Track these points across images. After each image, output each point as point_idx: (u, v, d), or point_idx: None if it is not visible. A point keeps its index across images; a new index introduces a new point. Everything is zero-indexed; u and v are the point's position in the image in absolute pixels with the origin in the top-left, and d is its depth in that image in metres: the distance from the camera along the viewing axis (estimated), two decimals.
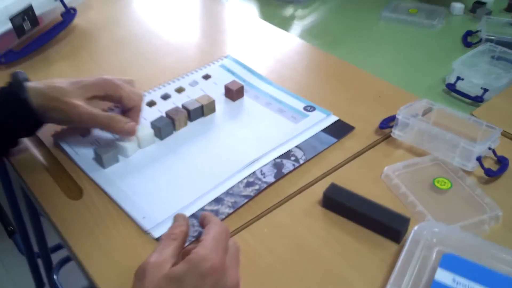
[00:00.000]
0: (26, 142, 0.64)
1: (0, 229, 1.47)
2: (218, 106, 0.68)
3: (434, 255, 0.48)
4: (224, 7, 0.99)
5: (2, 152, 0.61)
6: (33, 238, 1.24)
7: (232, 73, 0.76)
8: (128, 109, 0.62)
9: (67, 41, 0.85)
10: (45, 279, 1.37)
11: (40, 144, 0.64)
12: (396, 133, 0.62)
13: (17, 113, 0.56)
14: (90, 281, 0.49)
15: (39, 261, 1.30)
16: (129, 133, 0.59)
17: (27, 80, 0.59)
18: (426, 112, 0.66)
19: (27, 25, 0.79)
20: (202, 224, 0.46)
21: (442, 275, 0.46)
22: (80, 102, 0.57)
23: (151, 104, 0.69)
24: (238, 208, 0.54)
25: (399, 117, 0.61)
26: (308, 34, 0.95)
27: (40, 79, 0.75)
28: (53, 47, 0.83)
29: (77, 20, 0.89)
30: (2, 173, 1.03)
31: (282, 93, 0.71)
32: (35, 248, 1.26)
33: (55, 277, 1.28)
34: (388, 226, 0.50)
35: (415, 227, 0.49)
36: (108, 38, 0.87)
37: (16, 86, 0.57)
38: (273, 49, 0.83)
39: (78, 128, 0.63)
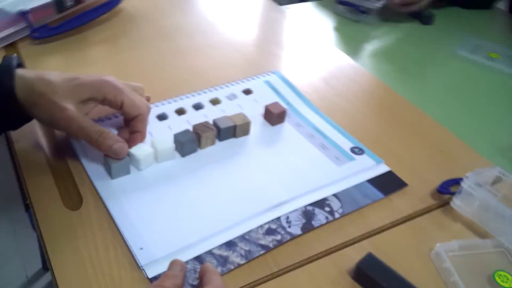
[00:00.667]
0: (36, 131, 0.57)
1: (19, 200, 1.45)
2: (254, 128, 0.60)
3: None
4: (285, 16, 0.90)
5: None
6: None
7: (277, 92, 0.67)
8: (131, 118, 0.53)
9: (108, 24, 0.79)
10: None
11: (50, 136, 0.57)
12: (456, 203, 0.51)
13: None
14: None
15: None
16: (116, 154, 0.50)
17: (20, 66, 0.51)
18: (497, 181, 0.55)
19: (69, 0, 0.73)
20: (201, 279, 0.38)
21: None
22: (69, 105, 0.48)
23: (180, 112, 0.61)
24: (251, 260, 0.45)
25: (464, 185, 0.50)
26: (372, 58, 0.85)
27: (71, 61, 0.70)
28: (93, 29, 0.77)
29: (124, 4, 0.83)
30: None
31: (328, 126, 0.62)
32: None
33: None
34: None
35: None
36: (152, 29, 0.80)
37: (3, 71, 0.48)
38: (329, 73, 0.74)
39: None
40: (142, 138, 0.54)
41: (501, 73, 0.83)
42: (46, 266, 1.35)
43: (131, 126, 0.54)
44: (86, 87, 0.50)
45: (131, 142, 0.53)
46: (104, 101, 0.51)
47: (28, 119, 0.52)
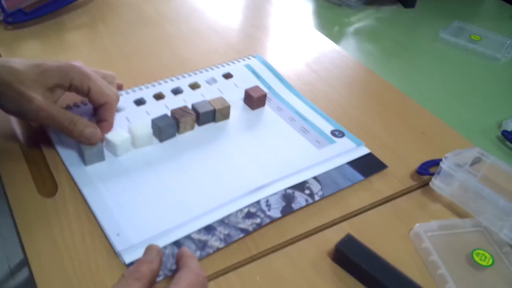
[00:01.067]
0: (10, 117, 0.56)
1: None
2: (234, 112, 0.59)
3: None
4: (268, 1, 0.89)
5: None
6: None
7: (258, 76, 0.66)
8: (98, 105, 0.51)
9: (85, 9, 0.77)
10: None
11: (24, 123, 0.56)
12: (436, 184, 0.51)
13: None
14: None
15: None
16: (88, 139, 0.49)
17: None
18: (476, 161, 0.55)
19: None
20: (177, 264, 0.37)
21: None
22: (37, 95, 0.47)
23: (158, 97, 0.60)
24: (231, 243, 0.45)
25: (443, 166, 0.50)
26: (355, 41, 0.85)
27: (47, 47, 0.69)
28: (69, 14, 0.76)
29: None
30: None
31: (310, 110, 0.61)
32: None
33: None
34: None
35: None
36: (132, 14, 0.78)
37: None
38: (311, 57, 0.73)
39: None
40: (108, 128, 0.52)
41: (483, 55, 0.83)
42: None
43: (98, 115, 0.52)
44: (52, 73, 0.48)
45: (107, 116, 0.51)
46: (70, 87, 0.50)
47: None
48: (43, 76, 0.48)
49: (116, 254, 0.43)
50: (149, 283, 0.36)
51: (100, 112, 0.52)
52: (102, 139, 0.51)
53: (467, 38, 0.86)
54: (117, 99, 0.53)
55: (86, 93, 0.50)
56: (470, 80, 0.79)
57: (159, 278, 0.41)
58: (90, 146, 0.49)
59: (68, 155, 0.51)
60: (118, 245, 0.43)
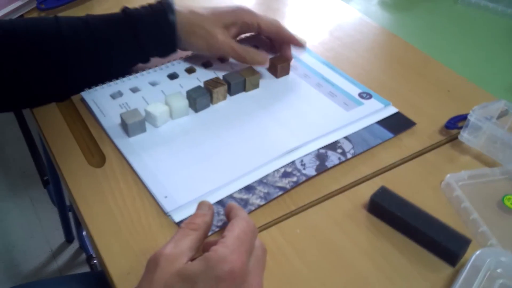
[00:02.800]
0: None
1: (36, 177, 1.48)
2: (261, 82, 0.61)
3: None
4: None
5: (131, 65, 0.62)
6: (66, 192, 1.24)
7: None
8: (271, 35, 0.63)
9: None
10: (74, 233, 1.38)
11: (68, 104, 0.59)
12: (464, 136, 0.53)
13: (161, 32, 0.57)
14: (98, 257, 0.44)
15: (70, 215, 1.31)
16: (260, 62, 0.61)
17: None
18: (502, 115, 0.56)
19: None
20: (228, 216, 0.40)
21: None
22: (219, 32, 0.58)
23: (190, 71, 0.63)
24: (271, 201, 0.48)
25: (471, 118, 0.52)
26: (375, 7, 0.86)
27: None
28: None
29: None
30: None
31: (335, 75, 0.63)
32: (68, 202, 1.26)
33: (83, 233, 1.28)
34: (445, 246, 0.42)
35: (477, 252, 0.42)
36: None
37: (166, 6, 0.57)
38: (333, 25, 0.75)
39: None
40: (296, 42, 0.63)
41: (504, 14, 0.83)
42: (69, 238, 1.39)
43: (277, 44, 0.64)
44: (228, 15, 0.60)
45: (287, 51, 0.64)
46: (242, 26, 0.61)
47: (174, 49, 0.60)
48: (221, 18, 0.59)
49: (165, 214, 0.46)
50: (204, 233, 0.39)
51: (277, 40, 0.64)
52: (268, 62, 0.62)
53: None
54: (282, 26, 0.63)
55: (256, 28, 0.61)
56: (492, 39, 0.79)
57: (209, 233, 0.44)
58: (133, 118, 0.52)
59: (112, 129, 0.54)
60: (167, 206, 0.46)
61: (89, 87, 0.59)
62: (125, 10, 0.57)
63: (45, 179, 1.43)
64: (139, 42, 0.57)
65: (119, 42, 0.56)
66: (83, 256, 1.35)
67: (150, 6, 0.58)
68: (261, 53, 0.61)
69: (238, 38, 0.64)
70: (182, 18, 0.58)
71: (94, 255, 1.23)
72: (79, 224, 1.28)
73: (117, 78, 0.60)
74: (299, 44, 0.64)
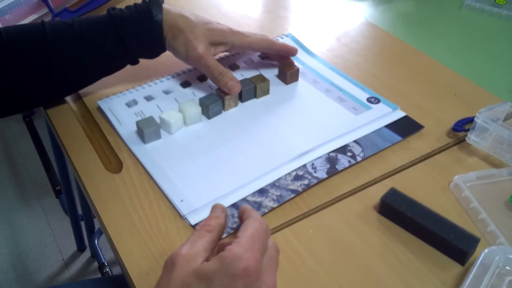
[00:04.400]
0: (69, 104, 0.62)
1: (48, 187, 1.51)
2: (271, 88, 0.63)
3: (505, 286, 0.41)
4: None
5: (120, 67, 0.61)
6: (78, 201, 1.26)
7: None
8: (264, 50, 0.65)
9: (124, 4, 0.82)
10: (86, 242, 1.39)
11: (83, 108, 0.61)
12: (472, 138, 0.54)
13: (146, 32, 0.57)
14: (117, 259, 0.45)
15: (82, 224, 1.32)
16: (230, 90, 0.58)
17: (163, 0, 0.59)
18: (508, 117, 0.57)
19: None
20: (241, 218, 0.41)
21: None
22: (201, 45, 0.58)
23: (201, 79, 0.64)
24: (283, 203, 0.49)
25: (478, 120, 0.53)
26: (378, 12, 0.87)
27: None
28: None
29: None
30: (52, 134, 1.03)
31: (344, 80, 0.65)
32: (79, 211, 1.28)
33: (96, 241, 1.30)
34: (454, 244, 0.43)
35: (486, 250, 0.43)
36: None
37: (153, 4, 0.57)
38: (340, 32, 0.76)
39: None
40: (289, 49, 0.64)
41: (508, 18, 0.84)
42: (81, 247, 1.41)
43: (274, 54, 0.66)
44: (217, 32, 0.59)
45: (286, 58, 0.66)
46: (233, 46, 0.61)
47: (163, 50, 0.60)
48: (210, 33, 0.59)
49: (181, 217, 0.48)
50: (218, 234, 0.40)
51: (272, 53, 0.66)
52: (239, 90, 0.60)
53: (492, 3, 0.87)
54: (272, 40, 0.64)
55: (248, 47, 0.62)
56: (496, 43, 0.80)
57: (224, 235, 0.45)
58: (148, 125, 0.54)
59: (128, 136, 0.56)
60: (183, 210, 0.48)
61: (77, 90, 0.60)
62: (110, 12, 0.57)
63: (57, 189, 1.45)
64: (124, 43, 0.56)
65: (103, 44, 0.56)
66: (95, 264, 1.37)
67: (135, 5, 0.58)
68: (235, 80, 0.59)
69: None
70: (169, 17, 0.57)
71: (106, 263, 1.24)
72: (91, 233, 1.30)
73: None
74: (293, 50, 0.65)
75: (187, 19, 0.58)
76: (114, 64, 0.60)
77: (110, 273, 1.22)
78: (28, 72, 0.55)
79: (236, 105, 0.61)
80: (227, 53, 0.68)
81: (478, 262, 0.42)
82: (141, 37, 0.57)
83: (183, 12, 0.59)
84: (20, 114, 1.79)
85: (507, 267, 0.42)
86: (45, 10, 0.75)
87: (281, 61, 0.66)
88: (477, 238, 0.44)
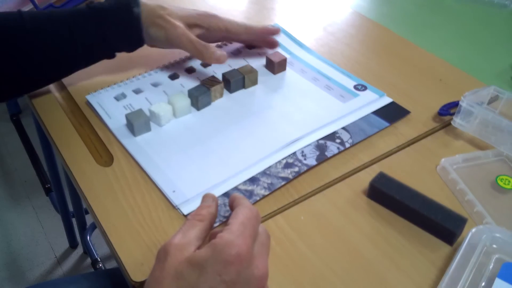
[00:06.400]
0: (57, 99, 0.61)
1: (38, 185, 1.50)
2: (259, 78, 0.63)
3: (492, 263, 0.42)
4: None
5: (96, 60, 0.60)
6: (68, 198, 1.25)
7: (278, 44, 0.70)
8: (241, 36, 0.65)
9: None
10: (78, 239, 1.39)
11: (72, 103, 0.61)
12: (457, 121, 0.55)
13: (125, 25, 0.57)
14: (112, 251, 0.46)
15: (74, 221, 1.32)
16: (218, 59, 0.60)
17: None
18: (492, 100, 0.59)
19: None
20: (231, 206, 0.42)
21: (501, 287, 0.40)
22: (180, 25, 0.59)
23: (189, 70, 0.65)
24: (274, 191, 0.50)
25: (463, 104, 0.54)
26: (366, 2, 0.88)
27: None
28: None
29: None
30: (40, 131, 1.03)
31: (331, 69, 0.65)
32: (71, 208, 1.28)
33: (88, 237, 1.30)
34: (442, 225, 0.44)
35: (473, 230, 0.44)
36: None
37: (131, 0, 0.58)
38: (326, 21, 0.77)
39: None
40: (270, 30, 0.66)
41: (491, 4, 0.85)
42: (73, 244, 1.41)
43: (253, 38, 0.67)
44: (192, 14, 0.61)
45: (268, 39, 0.67)
46: (209, 30, 0.62)
47: (141, 43, 0.60)
48: (186, 16, 0.61)
49: (174, 208, 0.48)
50: (209, 223, 0.41)
51: (251, 38, 0.67)
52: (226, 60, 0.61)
53: None
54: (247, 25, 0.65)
55: (225, 32, 0.63)
56: (480, 29, 0.82)
57: (216, 224, 0.46)
58: (138, 118, 0.54)
59: (118, 129, 0.56)
60: (176, 200, 0.48)
61: (53, 81, 0.61)
62: (89, 4, 0.57)
63: (47, 187, 1.45)
64: (102, 36, 0.57)
65: (82, 36, 0.56)
66: (88, 261, 1.37)
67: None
68: (220, 50, 0.60)
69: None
70: (146, 9, 0.58)
71: (99, 259, 1.24)
72: (83, 229, 1.30)
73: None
74: (274, 31, 0.65)
75: (162, 7, 0.60)
76: (91, 56, 0.59)
77: (103, 269, 1.22)
78: (7, 61, 0.55)
79: (221, 95, 0.61)
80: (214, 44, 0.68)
81: (466, 241, 0.43)
82: (119, 31, 0.58)
83: (159, 4, 0.60)
84: (7, 113, 1.77)
85: (494, 245, 0.43)
86: (30, 5, 0.75)
87: (265, 45, 0.67)
88: (464, 219, 0.45)
